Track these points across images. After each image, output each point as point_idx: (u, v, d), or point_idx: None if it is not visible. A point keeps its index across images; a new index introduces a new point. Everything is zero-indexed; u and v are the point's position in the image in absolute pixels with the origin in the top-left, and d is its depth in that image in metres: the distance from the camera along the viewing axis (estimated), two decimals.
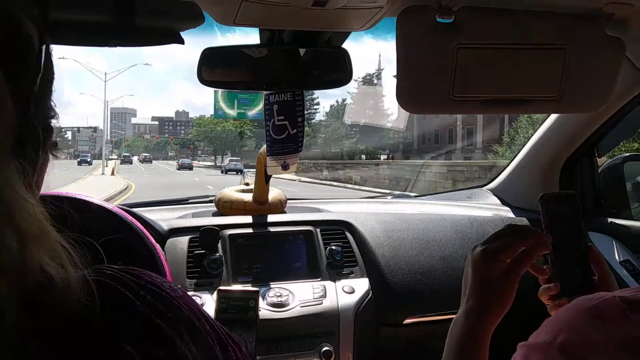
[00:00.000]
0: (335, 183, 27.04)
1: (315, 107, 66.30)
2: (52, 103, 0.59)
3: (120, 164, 69.06)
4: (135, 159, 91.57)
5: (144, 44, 1.21)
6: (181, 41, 1.24)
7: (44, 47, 0.55)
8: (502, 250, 0.98)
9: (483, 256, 0.98)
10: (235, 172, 38.48)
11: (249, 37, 1.40)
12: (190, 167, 56.63)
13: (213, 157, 75.29)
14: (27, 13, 0.51)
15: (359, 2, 1.07)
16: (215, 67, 1.38)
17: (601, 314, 0.71)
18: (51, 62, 0.58)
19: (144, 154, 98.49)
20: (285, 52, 1.44)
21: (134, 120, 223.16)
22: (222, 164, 50.40)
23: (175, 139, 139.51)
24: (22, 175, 0.49)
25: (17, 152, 0.49)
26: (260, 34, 1.37)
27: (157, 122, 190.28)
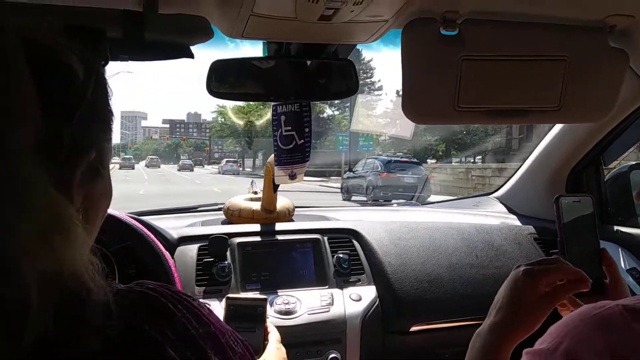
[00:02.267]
0: None
1: (377, 93, 50.90)
2: (104, 131, 0.66)
3: (120, 168, 52.80)
4: (142, 163, 74.55)
5: (154, 58, 1.23)
6: (191, 55, 1.26)
7: (91, 80, 0.62)
8: (545, 274, 0.99)
9: (525, 276, 0.99)
10: (231, 174, 39.80)
11: (257, 49, 1.41)
12: (191, 169, 57.60)
13: (240, 161, 55.00)
14: (72, 50, 0.60)
15: (364, 16, 1.09)
16: (223, 78, 1.40)
17: (604, 322, 0.72)
18: (102, 97, 0.66)
19: (151, 157, 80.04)
20: (292, 64, 1.47)
21: (144, 124, 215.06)
22: (220, 165, 50.50)
23: (189, 139, 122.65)
24: (56, 182, 0.54)
25: (48, 161, 0.54)
26: (267, 46, 1.39)
27: (168, 125, 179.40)
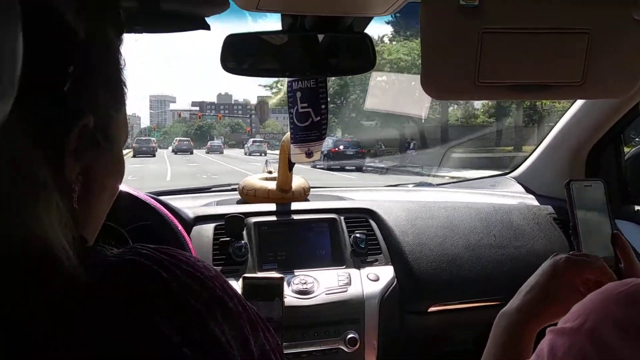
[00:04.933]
0: None
1: None
2: (112, 100, 0.62)
3: (133, 156, 38.96)
4: (170, 149, 55.90)
5: (169, 30, 1.22)
6: (207, 27, 1.24)
7: (92, 37, 0.57)
8: (585, 266, 0.98)
9: (566, 263, 0.98)
10: (258, 154, 39.61)
11: (272, 23, 1.40)
12: (220, 151, 52.79)
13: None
14: (72, 8, 0.54)
15: None
16: (237, 54, 1.39)
17: (629, 299, 0.70)
18: (110, 63, 0.63)
19: (179, 139, 60.08)
20: (307, 38, 1.44)
21: (172, 107, 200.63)
22: (246, 146, 47.98)
23: (225, 117, 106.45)
24: (42, 143, 0.51)
25: (31, 117, 0.51)
26: (282, 20, 1.37)
27: (197, 108, 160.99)
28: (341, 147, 25.57)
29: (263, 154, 37.84)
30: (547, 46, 1.22)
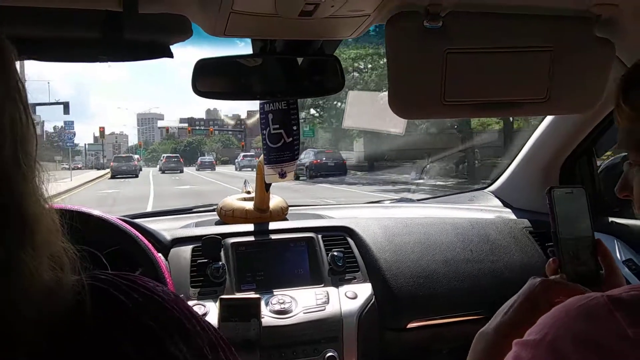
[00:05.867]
0: None
1: None
2: None
3: (112, 177, 35.26)
4: (157, 167, 49.34)
5: (133, 59, 1.23)
6: (170, 55, 1.25)
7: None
8: (560, 287, 0.99)
9: (541, 285, 1.00)
10: (249, 169, 37.62)
11: (245, 46, 1.40)
12: (212, 167, 48.92)
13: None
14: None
15: (345, 11, 1.09)
16: (209, 78, 1.39)
17: (588, 313, 0.72)
18: None
19: (166, 155, 51.85)
20: (278, 61, 1.46)
21: (160, 124, 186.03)
22: (237, 161, 45.16)
23: (216, 132, 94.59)
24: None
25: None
26: (252, 43, 1.38)
27: (186, 124, 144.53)
28: (323, 158, 26.43)
29: (254, 169, 36.15)
30: (511, 64, 1.25)
